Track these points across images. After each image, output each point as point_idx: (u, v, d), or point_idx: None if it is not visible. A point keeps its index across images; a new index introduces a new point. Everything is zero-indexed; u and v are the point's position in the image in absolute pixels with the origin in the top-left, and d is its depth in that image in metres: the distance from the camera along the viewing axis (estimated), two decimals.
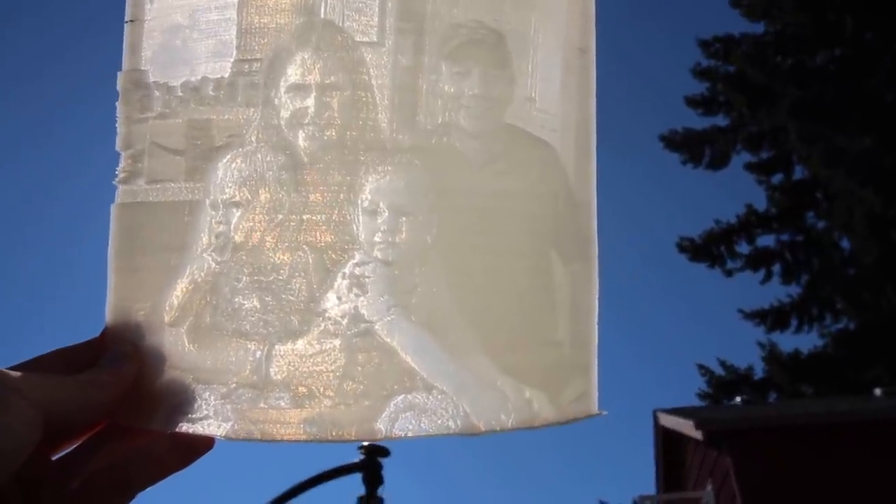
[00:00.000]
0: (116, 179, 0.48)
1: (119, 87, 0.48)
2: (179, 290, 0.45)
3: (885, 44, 8.27)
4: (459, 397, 0.45)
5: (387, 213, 0.45)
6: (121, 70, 0.48)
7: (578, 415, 0.51)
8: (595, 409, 0.53)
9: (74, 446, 0.44)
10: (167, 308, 0.45)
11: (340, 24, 0.45)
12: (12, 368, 0.43)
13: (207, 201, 0.45)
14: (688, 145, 9.30)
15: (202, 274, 0.45)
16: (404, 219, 0.45)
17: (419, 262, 0.45)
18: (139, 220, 0.47)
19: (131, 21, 0.48)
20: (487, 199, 0.47)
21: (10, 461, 0.36)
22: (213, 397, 0.44)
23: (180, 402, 0.44)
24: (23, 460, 0.37)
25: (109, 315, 0.47)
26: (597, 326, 0.54)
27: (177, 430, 0.44)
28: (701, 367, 9.09)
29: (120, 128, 0.48)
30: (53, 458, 0.43)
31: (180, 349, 0.45)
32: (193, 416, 0.44)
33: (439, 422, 0.44)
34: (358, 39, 0.45)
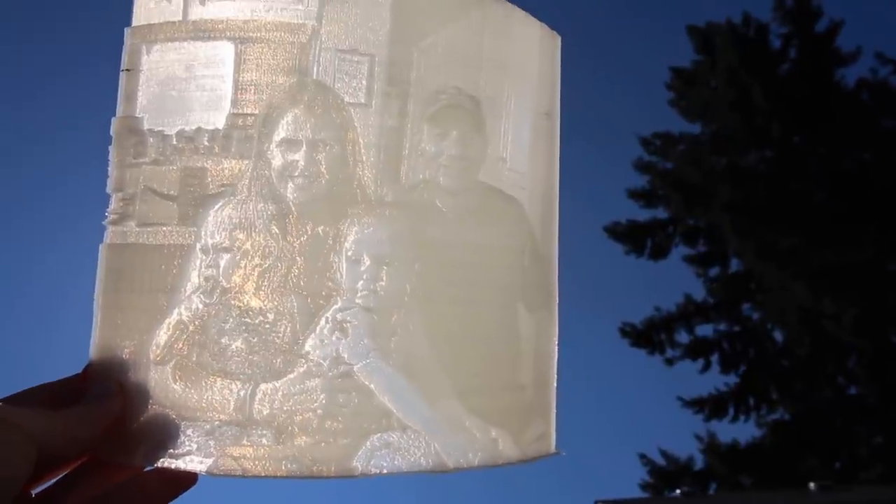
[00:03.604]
0: (106, 220, 0.50)
1: (113, 132, 0.50)
2: (167, 330, 0.47)
3: (810, 147, 8.91)
4: (431, 437, 0.48)
5: (369, 263, 0.48)
6: (115, 116, 0.51)
7: (538, 454, 0.54)
8: (553, 448, 0.56)
9: (54, 480, 0.45)
10: (154, 346, 0.47)
11: (331, 85, 0.48)
12: (2, 399, 0.44)
13: (198, 246, 0.47)
14: (631, 236, 9.77)
15: (190, 315, 0.47)
16: (385, 268, 0.48)
17: (398, 310, 0.48)
18: (129, 260, 0.49)
19: (128, 70, 0.51)
20: (462, 251, 0.51)
21: (8, 491, 0.37)
22: (196, 434, 0.46)
23: (163, 438, 0.46)
24: (18, 492, 0.38)
25: (95, 351, 0.48)
26: (555, 371, 0.58)
27: (158, 465, 0.46)
28: (643, 456, 9.33)
29: (112, 171, 0.50)
30: (34, 492, 0.44)
31: (165, 387, 0.47)
32: (176, 451, 0.46)
33: (412, 459, 0.47)
34: (347, 100, 0.48)
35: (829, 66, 9.27)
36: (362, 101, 0.49)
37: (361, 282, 0.47)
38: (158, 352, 0.47)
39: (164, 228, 0.48)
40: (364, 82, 0.49)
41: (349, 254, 0.48)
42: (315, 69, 0.48)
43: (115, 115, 0.51)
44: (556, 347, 0.58)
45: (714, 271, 9.72)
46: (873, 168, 8.68)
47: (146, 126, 0.50)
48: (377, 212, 0.48)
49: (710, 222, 9.24)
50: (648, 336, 9.51)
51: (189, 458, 0.46)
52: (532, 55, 0.57)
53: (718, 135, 9.40)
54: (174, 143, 0.49)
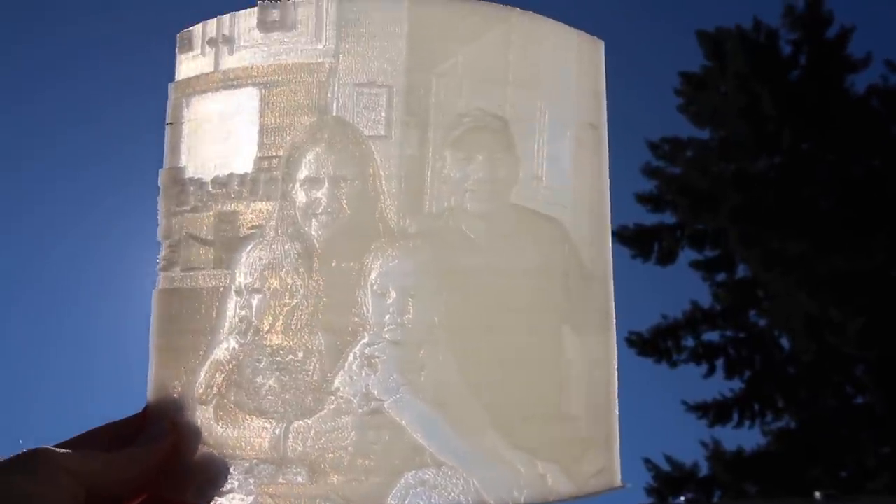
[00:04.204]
0: (158, 267, 0.53)
1: (160, 183, 0.53)
2: (207, 370, 0.49)
3: (819, 154, 8.78)
4: (469, 473, 0.46)
5: (395, 296, 0.47)
6: (161, 168, 0.54)
7: (598, 488, 0.51)
8: (618, 482, 0.53)
9: None
10: (198, 386, 0.49)
11: (351, 120, 0.48)
12: (64, 444, 0.48)
13: (233, 288, 0.49)
14: (638, 241, 9.62)
15: (227, 355, 0.49)
16: (411, 300, 0.47)
17: (427, 342, 0.47)
18: (175, 304, 0.51)
19: (171, 123, 0.54)
20: (494, 277, 0.49)
21: None
22: (237, 472, 0.47)
23: (213, 476, 0.48)
24: None
25: (151, 392, 0.51)
26: (615, 398, 0.54)
27: (208, 502, 0.47)
28: (648, 461, 9.16)
29: (161, 220, 0.53)
30: None
31: (209, 425, 0.48)
32: (222, 489, 0.47)
33: (450, 497, 0.46)
34: (367, 133, 0.48)
35: (839, 73, 9.19)
36: (382, 133, 0.48)
37: (388, 315, 0.47)
38: (201, 391, 0.49)
39: (203, 272, 0.50)
40: (383, 114, 0.48)
41: (375, 287, 0.47)
42: (334, 105, 0.49)
43: (161, 166, 0.54)
44: (616, 373, 0.54)
45: (721, 277, 9.65)
46: (882, 175, 8.62)
47: (187, 175, 0.52)
48: (401, 244, 0.47)
49: (718, 228, 9.20)
50: (655, 344, 9.47)
51: (231, 495, 0.47)
52: (569, 65, 0.54)
53: (727, 141, 9.38)
54: (210, 189, 0.51)
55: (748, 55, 9.11)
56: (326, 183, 0.48)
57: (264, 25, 0.50)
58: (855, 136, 8.62)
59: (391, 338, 0.47)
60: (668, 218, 9.71)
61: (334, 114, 0.49)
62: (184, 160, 0.53)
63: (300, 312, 0.47)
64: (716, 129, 9.53)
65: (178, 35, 0.55)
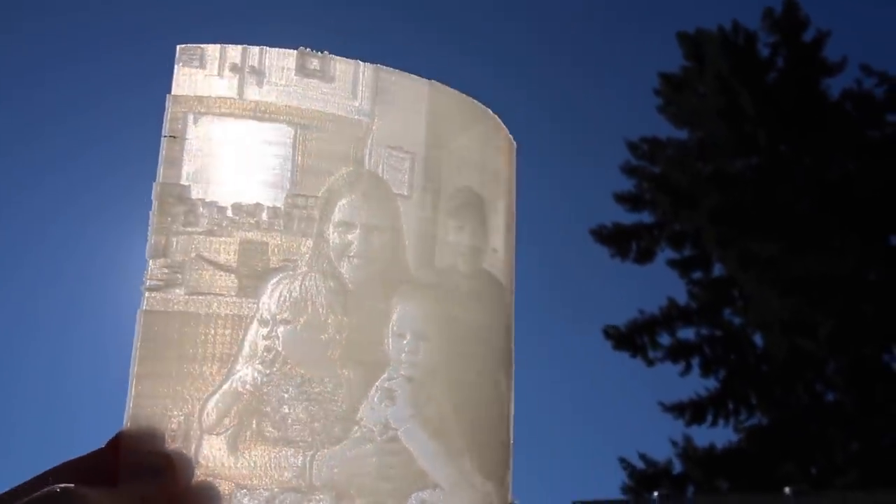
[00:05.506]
0: (145, 286, 0.49)
1: (155, 197, 0.50)
2: (221, 400, 0.48)
3: (796, 156, 9.11)
4: (453, 495, 0.54)
5: (409, 337, 0.53)
6: (155, 181, 0.50)
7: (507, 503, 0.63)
8: (511, 498, 0.65)
9: None
10: (206, 416, 0.47)
11: (382, 176, 0.54)
12: (29, 483, 0.42)
13: (257, 317, 0.49)
14: (616, 240, 9.70)
15: (245, 385, 0.48)
16: (423, 343, 0.54)
17: (432, 380, 0.54)
18: (175, 328, 0.48)
19: (172, 137, 0.51)
20: (472, 329, 0.59)
21: None
22: (254, 502, 0.47)
23: None
24: None
25: (132, 422, 0.47)
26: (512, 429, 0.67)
27: None
28: (622, 460, 9.35)
29: (153, 237, 0.49)
30: None
31: (219, 456, 0.47)
32: None
33: None
34: (395, 191, 0.55)
35: (816, 76, 9.33)
36: (405, 193, 0.55)
37: (404, 354, 0.53)
38: (212, 421, 0.47)
39: (222, 299, 0.49)
40: (406, 176, 0.55)
41: (394, 328, 0.53)
42: (367, 160, 0.54)
43: (155, 178, 0.50)
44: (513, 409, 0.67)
45: (697, 275, 9.70)
46: (857, 178, 8.66)
47: (195, 195, 0.50)
48: (417, 292, 0.54)
49: (696, 226, 9.16)
50: (631, 338, 9.46)
51: None
52: (506, 162, 0.67)
53: (705, 141, 9.37)
54: (230, 215, 0.50)
55: (727, 57, 8.93)
56: (359, 229, 0.53)
57: (303, 71, 0.53)
58: (831, 139, 8.49)
59: (406, 374, 0.53)
60: (647, 217, 9.31)
61: (368, 168, 0.54)
62: (187, 178, 0.51)
63: (333, 346, 0.50)
64: (695, 129, 9.32)
65: (179, 47, 0.53)
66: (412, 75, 0.57)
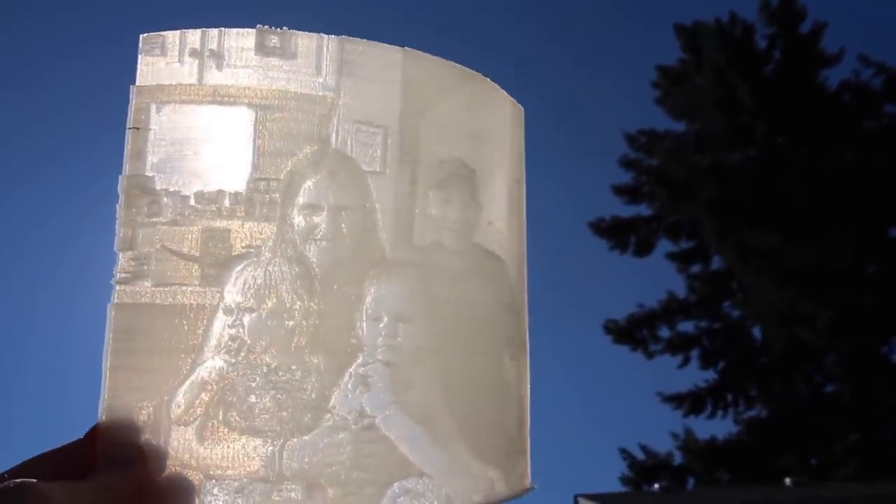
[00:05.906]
0: (115, 280, 0.49)
1: (121, 190, 0.50)
2: (189, 390, 0.47)
3: (794, 148, 9.02)
4: (443, 482, 0.51)
5: (387, 320, 0.51)
6: (121, 174, 0.50)
7: (522, 489, 0.59)
8: (530, 483, 0.62)
9: None
10: (175, 407, 0.47)
11: (350, 155, 0.52)
12: (11, 471, 0.43)
13: (221, 306, 0.48)
14: (615, 232, 9.74)
15: (214, 374, 0.48)
16: (402, 325, 0.51)
17: (414, 363, 0.52)
18: (145, 320, 0.48)
19: (136, 128, 0.51)
20: (463, 307, 0.55)
21: None
22: (223, 492, 0.46)
23: (188, 498, 0.46)
24: None
25: (107, 414, 0.47)
26: (528, 412, 0.63)
27: None
28: (623, 451, 9.41)
29: (120, 230, 0.49)
30: None
31: (188, 447, 0.47)
32: None
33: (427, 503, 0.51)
34: (364, 168, 0.52)
35: (813, 68, 9.25)
36: (377, 169, 0.52)
37: (381, 338, 0.51)
38: (180, 412, 0.47)
39: (186, 288, 0.48)
40: (379, 152, 0.52)
41: (369, 312, 0.51)
42: (334, 138, 0.51)
43: (121, 171, 0.50)
44: (529, 392, 0.63)
45: (696, 268, 9.73)
46: (855, 169, 8.58)
47: (159, 185, 0.50)
48: (394, 272, 0.52)
49: (694, 218, 9.17)
50: (631, 332, 9.51)
51: None
52: (506, 128, 0.63)
53: (703, 133, 9.34)
54: (193, 203, 0.49)
55: (724, 49, 8.94)
56: (326, 210, 0.51)
57: (262, 49, 0.51)
58: (829, 131, 8.50)
59: (383, 359, 0.51)
60: (645, 210, 9.41)
61: (334, 146, 0.51)
62: (152, 169, 0.50)
63: (300, 333, 0.49)
64: (692, 121, 9.37)
65: (142, 36, 0.52)
66: (382, 44, 0.54)
